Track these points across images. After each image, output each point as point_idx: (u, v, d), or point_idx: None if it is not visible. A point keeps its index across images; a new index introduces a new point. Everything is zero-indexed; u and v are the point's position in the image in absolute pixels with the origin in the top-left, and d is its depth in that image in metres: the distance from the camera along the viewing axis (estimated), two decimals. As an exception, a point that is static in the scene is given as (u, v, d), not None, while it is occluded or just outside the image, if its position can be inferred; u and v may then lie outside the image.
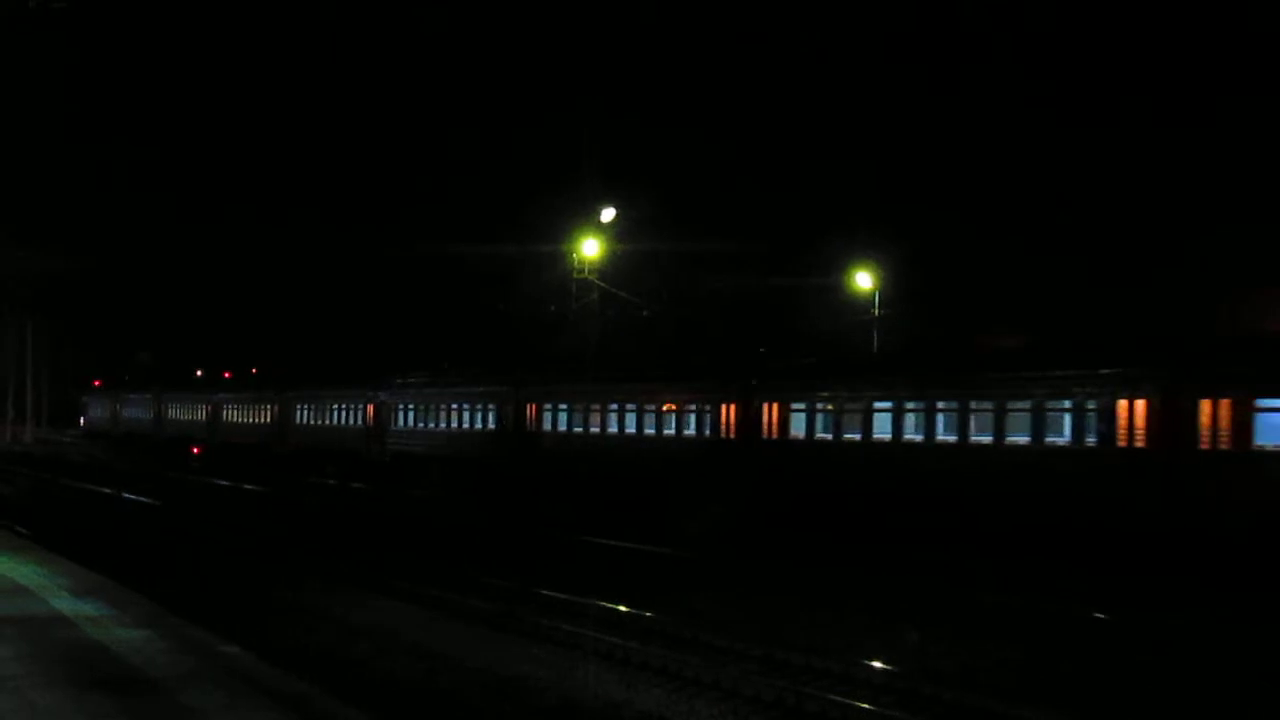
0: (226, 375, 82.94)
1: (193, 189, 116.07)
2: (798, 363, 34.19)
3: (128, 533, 32.26)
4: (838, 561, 25.86)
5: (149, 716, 10.82)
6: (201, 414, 69.48)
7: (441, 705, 14.57)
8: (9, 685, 11.60)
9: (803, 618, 19.58)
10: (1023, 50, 68.69)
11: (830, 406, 30.11)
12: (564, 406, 39.26)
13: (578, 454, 37.97)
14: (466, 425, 44.57)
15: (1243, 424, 22.05)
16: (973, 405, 26.66)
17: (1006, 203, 58.69)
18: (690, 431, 34.12)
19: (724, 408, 33.00)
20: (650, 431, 35.22)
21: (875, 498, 28.13)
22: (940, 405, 27.39)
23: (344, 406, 53.55)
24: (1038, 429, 25.36)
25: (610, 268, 49.69)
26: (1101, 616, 19.48)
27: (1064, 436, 24.99)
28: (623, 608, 19.51)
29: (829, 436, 30.01)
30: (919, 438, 27.74)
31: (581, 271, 49.10)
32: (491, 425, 42.90)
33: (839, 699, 14.26)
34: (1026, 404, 25.62)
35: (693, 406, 34.01)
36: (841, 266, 51.57)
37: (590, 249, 48.81)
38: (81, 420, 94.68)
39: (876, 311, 50.32)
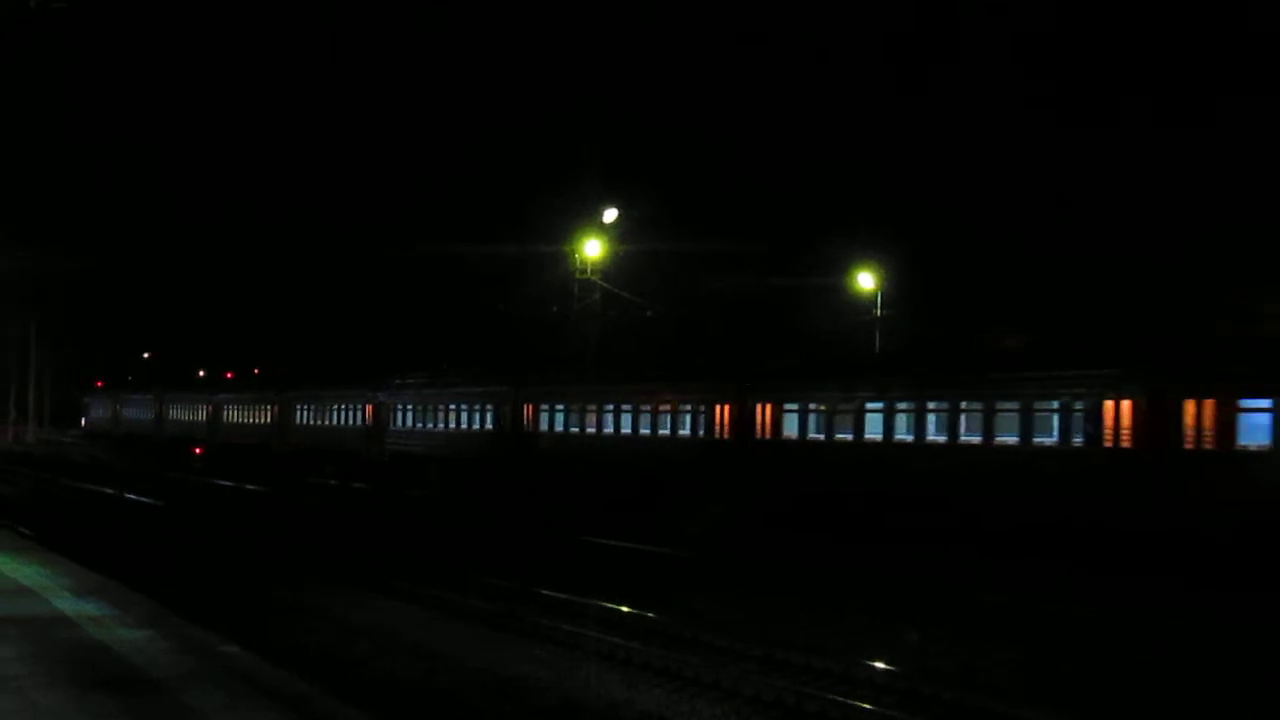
0: (229, 375, 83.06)
1: (193, 189, 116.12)
2: (791, 364, 34.39)
3: (129, 533, 32.29)
4: (836, 561, 25.91)
5: (151, 716, 10.85)
6: (202, 414, 69.56)
7: (442, 705, 14.59)
8: (11, 685, 11.63)
9: (803, 617, 19.60)
10: (1023, 50, 68.72)
11: (823, 407, 30.28)
12: (561, 407, 39.36)
13: (575, 454, 38.07)
14: (465, 425, 44.64)
15: (1226, 424, 22.22)
16: (963, 405, 26.84)
17: (1006, 203, 58.71)
18: (685, 432, 34.26)
19: (718, 408, 33.14)
20: (646, 432, 35.36)
21: (867, 497, 28.30)
22: (931, 406, 27.56)
23: (344, 407, 53.60)
24: (1026, 429, 25.52)
25: (612, 268, 49.76)
26: (1099, 616, 19.54)
27: (1052, 437, 25.11)
28: (624, 608, 19.55)
29: (821, 436, 30.21)
30: (910, 438, 27.89)
31: (584, 272, 49.15)
32: (489, 425, 42.98)
33: (839, 699, 14.27)
34: (1015, 404, 25.79)
35: (688, 407, 34.17)
36: (842, 267, 51.63)
37: (592, 249, 48.85)
38: (83, 420, 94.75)
39: (878, 312, 50.38)
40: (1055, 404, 25.10)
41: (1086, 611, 19.83)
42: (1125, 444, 23.75)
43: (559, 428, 39.48)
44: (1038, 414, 25.37)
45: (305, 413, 57.31)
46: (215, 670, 12.72)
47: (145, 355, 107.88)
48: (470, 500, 41.13)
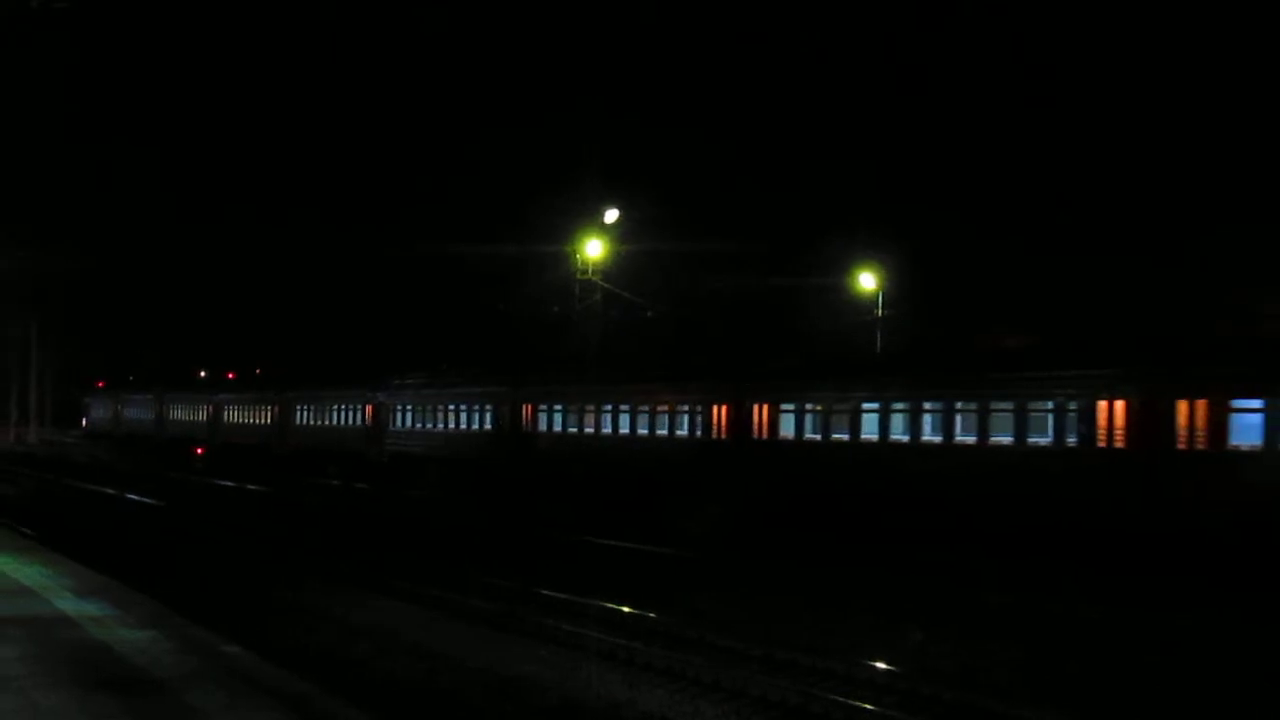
0: (230, 376, 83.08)
1: (193, 189, 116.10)
2: (787, 364, 34.46)
3: (131, 533, 32.34)
4: (838, 562, 25.94)
5: (152, 716, 10.85)
6: (203, 415, 69.60)
7: (443, 705, 14.60)
8: (13, 686, 11.64)
9: (805, 617, 19.61)
10: (1022, 50, 68.74)
11: (819, 407, 30.42)
12: (559, 407, 39.46)
13: (573, 454, 38.17)
14: (464, 426, 44.73)
15: (1218, 424, 22.31)
16: (958, 406, 26.96)
17: (1006, 203, 58.72)
18: (683, 432, 34.38)
19: (715, 408, 33.27)
20: (644, 432, 35.48)
21: (864, 497, 28.40)
22: (926, 406, 27.68)
23: (343, 407, 53.66)
24: (1020, 429, 25.64)
25: (614, 268, 49.78)
26: (1103, 616, 19.57)
27: (1047, 437, 25.24)
28: (626, 608, 19.57)
29: (818, 437, 30.34)
30: (905, 438, 28.01)
31: (585, 272, 49.18)
32: (488, 426, 43.06)
33: (842, 699, 14.29)
34: (1010, 405, 25.91)
35: (685, 407, 34.29)
36: (842, 267, 51.66)
37: (594, 250, 48.88)
38: (83, 421, 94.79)
39: (880, 312, 50.41)
40: (1049, 404, 25.22)
41: (1091, 612, 19.86)
42: (1119, 444, 23.86)
43: (557, 428, 39.57)
44: (1032, 414, 25.50)
45: (305, 413, 57.36)
46: (217, 670, 12.73)
47: (146, 355, 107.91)
48: (470, 500, 41.18)
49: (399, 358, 59.26)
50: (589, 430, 37.81)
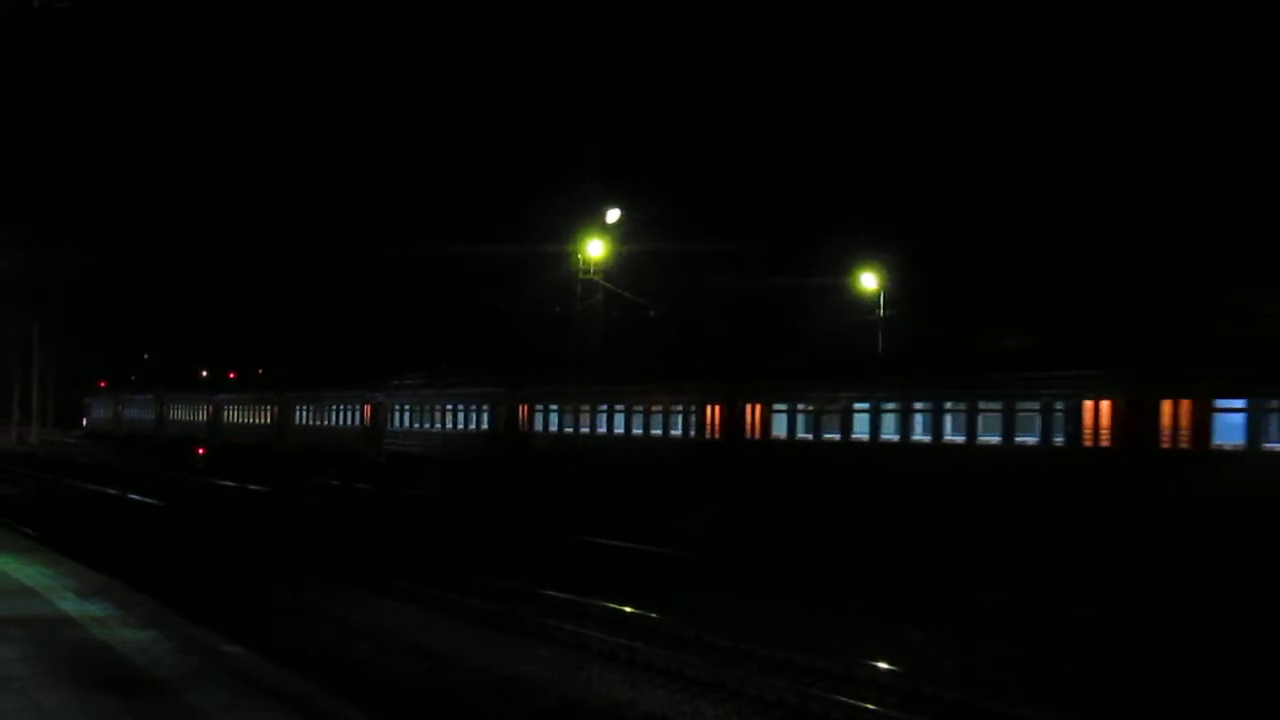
0: (232, 376, 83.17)
1: (193, 189, 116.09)
2: (780, 365, 34.64)
3: (132, 534, 32.39)
4: (834, 561, 26.02)
5: (153, 716, 10.90)
6: (203, 415, 69.68)
7: (443, 705, 14.65)
8: (15, 686, 11.69)
9: (803, 617, 19.67)
10: (1022, 50, 68.76)
11: (810, 407, 30.57)
12: (556, 407, 39.62)
13: (570, 454, 38.33)
14: (461, 426, 44.86)
15: (1202, 424, 22.50)
16: (947, 406, 27.13)
17: (1006, 203, 58.74)
18: (677, 432, 34.54)
19: (709, 409, 33.44)
20: (639, 432, 35.65)
21: (854, 497, 28.59)
22: (916, 406, 27.86)
23: (342, 407, 53.77)
24: (1008, 429, 25.80)
25: (615, 268, 49.83)
26: (1098, 615, 19.64)
27: (1034, 436, 25.40)
28: (627, 608, 19.62)
29: (809, 437, 30.50)
30: (895, 438, 28.18)
31: (587, 272, 49.23)
32: (485, 426, 43.19)
33: (842, 699, 14.34)
34: (998, 405, 26.10)
35: (679, 408, 34.46)
36: (844, 267, 51.68)
37: (595, 250, 48.92)
38: (84, 421, 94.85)
39: (881, 312, 50.45)
40: (1036, 404, 25.42)
41: (1085, 611, 19.92)
42: (1105, 443, 24.07)
43: (554, 428, 39.74)
44: (1020, 414, 25.71)
45: (305, 413, 57.46)
46: (218, 670, 12.78)
47: (146, 355, 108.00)
48: (468, 500, 41.27)
49: (399, 358, 59.35)
50: (585, 430, 37.97)
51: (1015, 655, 17.04)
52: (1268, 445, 21.83)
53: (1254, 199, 50.29)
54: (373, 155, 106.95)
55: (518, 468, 40.74)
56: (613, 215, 49.15)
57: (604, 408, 37.08)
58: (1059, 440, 24.83)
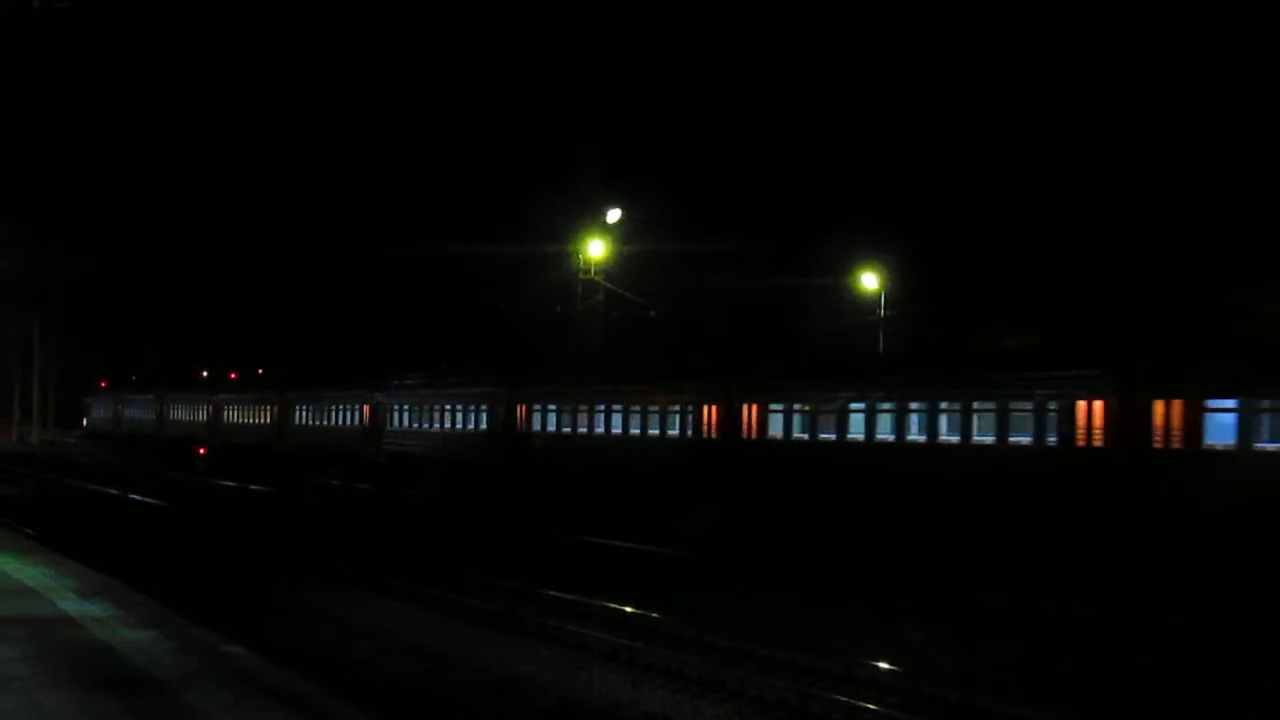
0: (233, 376, 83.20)
1: (193, 189, 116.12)
2: (777, 365, 34.73)
3: (133, 534, 32.40)
4: (832, 561, 26.06)
5: (153, 716, 10.92)
6: (203, 415, 69.71)
7: (443, 705, 14.66)
8: (15, 686, 11.71)
9: (802, 617, 19.68)
10: (1023, 50, 68.74)
11: (806, 407, 30.67)
12: (554, 407, 39.70)
13: (568, 454, 38.41)
14: (460, 426, 44.94)
15: (1194, 424, 22.64)
16: (942, 406, 27.28)
17: (1006, 203, 58.77)
18: (674, 432, 34.66)
19: (705, 409, 33.55)
20: (636, 432, 35.74)
21: (850, 496, 28.72)
22: (912, 406, 27.99)
23: (342, 407, 53.83)
24: (1002, 429, 25.93)
25: (616, 268, 49.85)
26: (1098, 615, 19.66)
27: (1028, 436, 25.53)
28: (628, 608, 19.63)
29: (805, 436, 30.62)
30: (891, 437, 28.28)
31: (587, 272, 49.24)
32: (484, 426, 43.26)
33: (843, 699, 14.34)
34: (992, 404, 26.25)
35: (676, 408, 34.56)
36: (844, 267, 51.70)
37: (596, 250, 48.95)
38: (84, 421, 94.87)
39: (882, 312, 50.46)
40: (1030, 404, 25.56)
41: (1086, 611, 19.95)
42: (1098, 443, 24.21)
43: (552, 428, 39.84)
44: (1014, 414, 25.85)
45: (304, 413, 57.51)
46: (218, 670, 12.79)
47: (146, 355, 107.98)
48: (468, 500, 41.32)
49: (399, 358, 59.37)
50: (584, 430, 38.07)
51: (1015, 655, 17.05)
52: (1259, 445, 21.95)
53: (1254, 199, 50.34)
54: (373, 155, 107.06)
55: (516, 468, 40.80)
56: (613, 215, 49.18)
57: (602, 408, 37.17)
58: (1053, 440, 24.98)
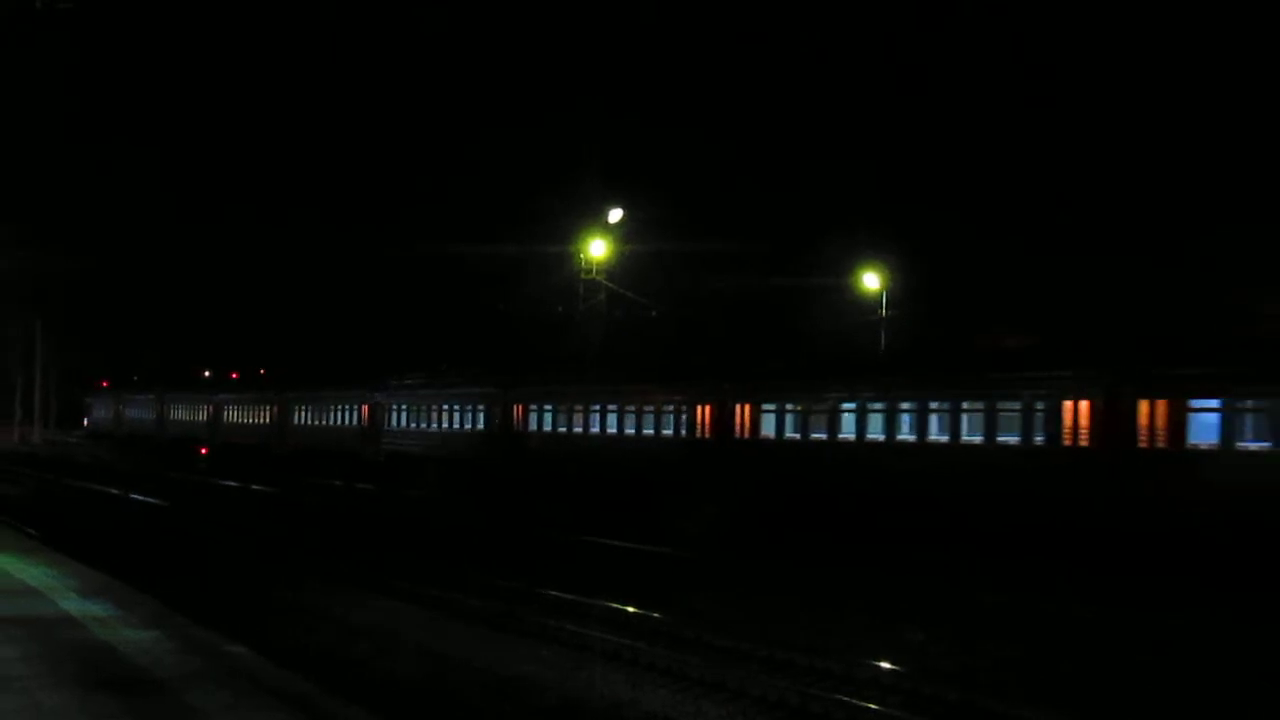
0: (234, 376, 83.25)
1: (193, 189, 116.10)
2: (771, 365, 34.86)
3: (134, 534, 32.43)
4: (827, 561, 26.13)
5: (154, 716, 10.94)
6: (203, 415, 69.76)
7: (444, 705, 14.68)
8: (16, 685, 11.72)
9: (802, 617, 19.70)
10: (1023, 50, 68.78)
11: (798, 407, 30.78)
12: (550, 407, 39.79)
13: (564, 454, 38.52)
14: (457, 425, 45.05)
15: (1178, 424, 22.82)
16: (932, 406, 27.42)
17: (1007, 203, 58.78)
18: (669, 432, 34.79)
19: (699, 409, 33.68)
20: (631, 432, 35.85)
21: (841, 496, 28.86)
22: (902, 406, 28.17)
23: (341, 407, 53.89)
24: (990, 428, 26.09)
25: (617, 268, 49.88)
26: (1098, 615, 19.70)
27: (1016, 436, 25.67)
28: (629, 608, 19.65)
29: (797, 436, 30.77)
30: (881, 437, 28.44)
31: (589, 272, 49.27)
32: (481, 426, 43.34)
33: (845, 699, 14.35)
34: (981, 404, 26.42)
35: (671, 408, 34.64)
36: (845, 267, 51.72)
37: (597, 250, 48.96)
38: (85, 421, 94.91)
39: (884, 312, 50.48)
40: (1017, 404, 25.71)
41: (1085, 611, 19.98)
42: (1084, 443, 24.38)
43: (548, 428, 39.92)
44: (1002, 414, 26.00)
45: (304, 413, 57.59)
46: (219, 671, 12.80)
47: (147, 355, 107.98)
48: (467, 500, 41.39)
49: (400, 358, 59.39)
50: (579, 430, 38.17)
51: (1015, 655, 17.07)
52: (1241, 445, 22.12)
53: (1254, 199, 50.34)
54: (373, 155, 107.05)
55: (513, 467, 40.91)
56: (615, 215, 49.20)
57: (597, 408, 37.31)
58: (1040, 440, 25.17)
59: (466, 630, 19.11)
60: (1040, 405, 25.13)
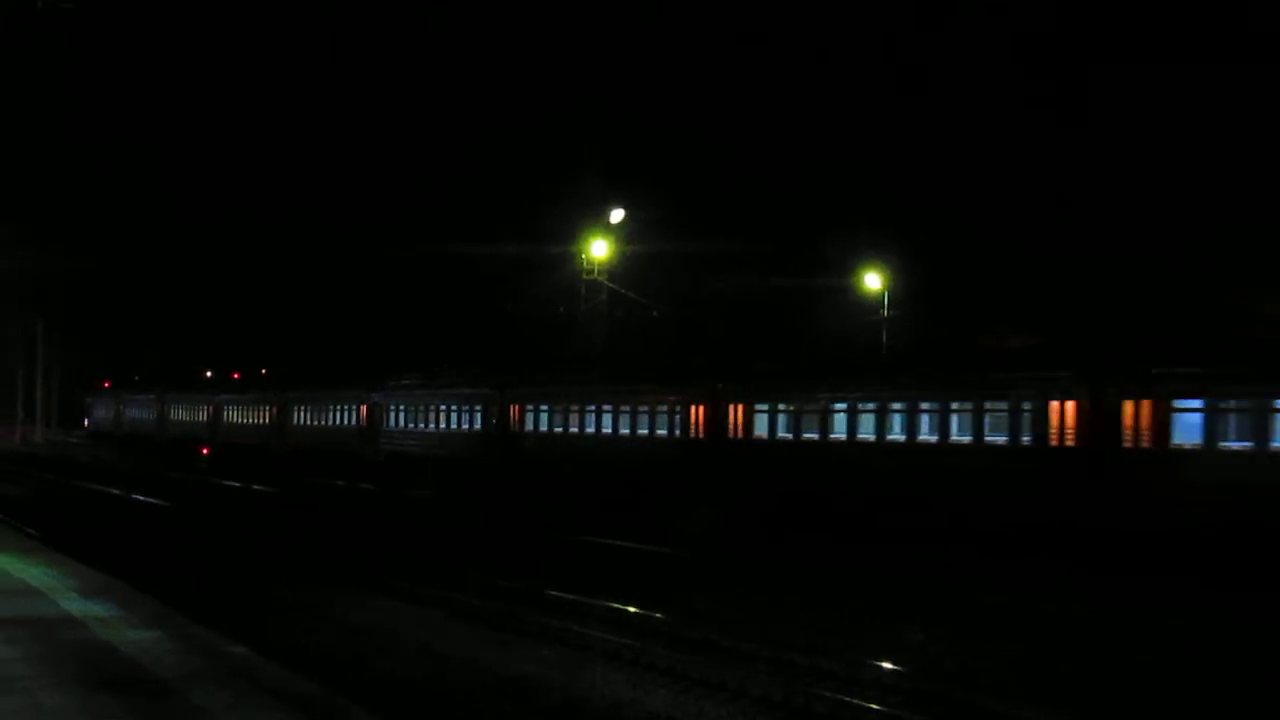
0: (236, 376, 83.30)
1: (193, 189, 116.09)
2: (765, 366, 34.95)
3: (134, 534, 32.43)
4: (829, 561, 26.16)
5: (155, 716, 10.94)
6: (203, 415, 69.81)
7: (445, 705, 14.67)
8: (18, 686, 11.72)
9: (803, 617, 19.70)
10: (1023, 50, 68.76)
11: (791, 407, 30.85)
12: (545, 408, 39.83)
13: (560, 454, 38.60)
14: (455, 426, 45.11)
15: (1162, 424, 22.99)
16: (922, 406, 27.57)
17: (1007, 203, 58.80)
18: (663, 432, 34.86)
19: (693, 409, 33.80)
20: (626, 432, 35.89)
21: (833, 495, 28.99)
22: (893, 406, 28.30)
23: (340, 407, 53.95)
24: (978, 428, 26.22)
25: (619, 269, 49.90)
26: (1098, 615, 19.71)
27: (1004, 436, 25.80)
28: (630, 608, 19.65)
29: (790, 436, 30.86)
30: (872, 437, 28.55)
31: (591, 272, 49.28)
32: (478, 426, 43.39)
33: (847, 699, 14.34)
34: (969, 404, 26.58)
35: (665, 408, 34.71)
36: (846, 267, 51.75)
37: (599, 250, 48.96)
38: (85, 421, 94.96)
39: (885, 312, 50.50)
40: (1005, 404, 25.83)
41: (1085, 611, 20.00)
42: (1070, 443, 24.51)
43: (544, 428, 39.97)
44: (990, 414, 26.14)
45: (303, 413, 57.65)
46: (220, 670, 12.81)
47: (147, 356, 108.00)
48: (466, 500, 41.43)
49: (400, 358, 59.40)
50: (575, 430, 38.22)
51: (1016, 655, 17.07)
52: (1224, 445, 22.25)
53: (1254, 199, 50.36)
54: (373, 155, 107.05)
55: (509, 467, 40.97)
56: (617, 215, 49.20)
57: (592, 408, 37.39)
58: (1027, 440, 25.30)
59: (467, 630, 19.10)
60: (1027, 405, 25.30)
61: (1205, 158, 54.23)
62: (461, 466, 43.62)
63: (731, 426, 32.55)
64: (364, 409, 51.33)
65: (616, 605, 19.83)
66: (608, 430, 36.63)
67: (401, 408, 48.82)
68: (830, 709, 14.21)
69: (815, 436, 29.99)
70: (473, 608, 20.59)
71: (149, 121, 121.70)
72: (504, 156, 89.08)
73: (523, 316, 60.19)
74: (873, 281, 51.05)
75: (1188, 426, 22.73)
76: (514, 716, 14.28)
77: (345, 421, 53.24)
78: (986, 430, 26.12)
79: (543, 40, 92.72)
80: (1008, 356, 29.24)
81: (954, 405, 26.83)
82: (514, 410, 41.26)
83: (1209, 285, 45.42)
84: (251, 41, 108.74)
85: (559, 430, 39.14)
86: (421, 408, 47.44)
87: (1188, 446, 22.65)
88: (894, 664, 15.78)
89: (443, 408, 46.00)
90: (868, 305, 51.83)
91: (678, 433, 34.30)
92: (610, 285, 49.46)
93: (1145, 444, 23.18)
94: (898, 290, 51.03)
